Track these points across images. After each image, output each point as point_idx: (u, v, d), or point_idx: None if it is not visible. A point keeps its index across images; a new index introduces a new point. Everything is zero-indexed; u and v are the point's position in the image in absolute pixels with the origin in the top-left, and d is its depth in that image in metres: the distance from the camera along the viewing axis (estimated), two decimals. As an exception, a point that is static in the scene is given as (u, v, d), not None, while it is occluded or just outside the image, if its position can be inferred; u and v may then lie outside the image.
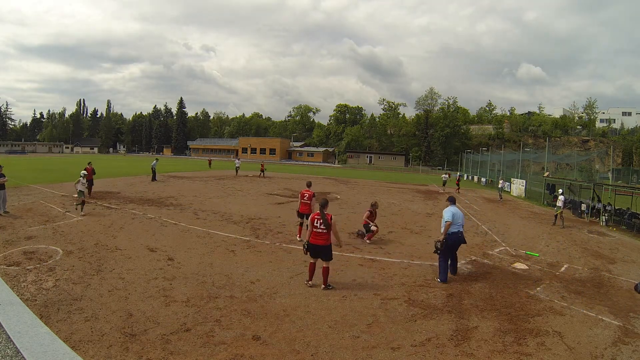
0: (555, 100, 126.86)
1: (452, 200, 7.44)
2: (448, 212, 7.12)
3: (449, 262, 7.21)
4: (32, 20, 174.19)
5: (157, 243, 8.55)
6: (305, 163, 70.10)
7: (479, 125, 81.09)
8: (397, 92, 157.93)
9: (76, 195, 11.73)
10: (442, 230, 7.08)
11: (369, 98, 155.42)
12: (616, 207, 16.31)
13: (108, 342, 4.18)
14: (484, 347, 4.56)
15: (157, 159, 25.47)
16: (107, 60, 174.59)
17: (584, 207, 17.59)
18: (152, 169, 23.85)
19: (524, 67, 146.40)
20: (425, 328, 5.01)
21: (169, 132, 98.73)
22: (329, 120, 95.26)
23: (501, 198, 24.08)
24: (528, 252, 9.57)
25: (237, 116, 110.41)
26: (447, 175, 30.38)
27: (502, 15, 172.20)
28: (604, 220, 15.79)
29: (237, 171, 33.42)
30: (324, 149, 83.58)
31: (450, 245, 7.10)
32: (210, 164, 35.85)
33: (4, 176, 11.23)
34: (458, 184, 28.92)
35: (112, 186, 19.32)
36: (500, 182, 26.08)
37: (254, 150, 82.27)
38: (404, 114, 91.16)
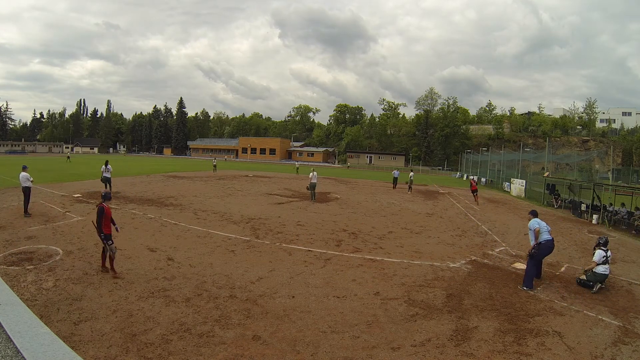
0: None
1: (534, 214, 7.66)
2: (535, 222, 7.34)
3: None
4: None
5: (157, 243, 8.55)
6: (305, 163, 70.02)
7: (479, 125, 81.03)
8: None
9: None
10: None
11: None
12: (615, 208, 16.34)
13: (108, 342, 4.19)
14: (484, 347, 4.56)
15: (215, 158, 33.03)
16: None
17: (583, 207, 17.61)
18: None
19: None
20: (425, 328, 5.01)
21: (168, 132, 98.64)
22: (329, 121, 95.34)
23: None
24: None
25: (237, 116, 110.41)
26: (396, 172, 26.86)
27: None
28: (595, 218, 15.91)
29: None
30: (324, 149, 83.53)
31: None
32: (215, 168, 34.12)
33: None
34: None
35: (112, 186, 19.30)
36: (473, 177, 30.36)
37: (254, 150, 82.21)
38: (404, 114, 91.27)
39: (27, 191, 11.00)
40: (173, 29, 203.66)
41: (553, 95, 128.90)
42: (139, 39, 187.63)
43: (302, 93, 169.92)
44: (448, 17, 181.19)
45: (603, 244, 7.14)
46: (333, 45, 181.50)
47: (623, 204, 16.45)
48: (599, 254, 7.01)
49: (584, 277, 7.05)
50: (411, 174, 25.90)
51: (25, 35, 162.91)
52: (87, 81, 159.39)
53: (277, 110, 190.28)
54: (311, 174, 17.91)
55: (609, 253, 7.06)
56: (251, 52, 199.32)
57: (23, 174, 11.29)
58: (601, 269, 6.84)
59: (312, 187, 17.63)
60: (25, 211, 10.80)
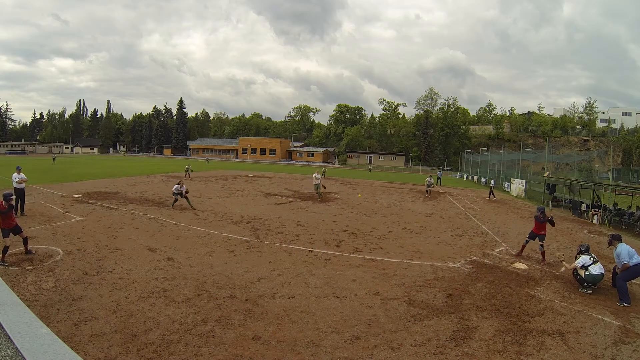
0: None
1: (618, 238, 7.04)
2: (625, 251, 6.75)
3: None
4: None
5: (157, 243, 8.55)
6: (305, 163, 70.04)
7: (479, 125, 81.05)
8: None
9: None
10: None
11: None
12: (617, 208, 16.34)
13: (108, 342, 4.19)
14: (484, 347, 4.56)
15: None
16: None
17: (583, 207, 17.61)
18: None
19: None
20: (425, 328, 5.01)
21: (168, 132, 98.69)
22: (329, 121, 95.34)
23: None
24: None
25: (237, 116, 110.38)
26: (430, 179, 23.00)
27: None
28: (595, 219, 15.91)
29: None
30: (324, 149, 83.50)
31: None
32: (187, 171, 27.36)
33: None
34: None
35: (112, 186, 19.32)
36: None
37: (254, 151, 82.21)
38: (403, 114, 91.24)
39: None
40: (124, 24, 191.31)
41: (550, 88, 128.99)
42: (102, 35, 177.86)
43: (277, 89, 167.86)
44: (437, 3, 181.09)
45: (585, 251, 7.11)
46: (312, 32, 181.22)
47: (616, 204, 16.45)
48: (583, 259, 6.93)
49: (581, 274, 6.95)
50: (429, 179, 23.00)
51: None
52: (63, 80, 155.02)
53: (259, 104, 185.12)
54: (314, 174, 18.41)
55: (618, 255, 6.90)
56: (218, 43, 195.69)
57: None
58: (596, 270, 6.80)
59: (316, 187, 17.96)
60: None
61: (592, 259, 6.89)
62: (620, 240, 6.95)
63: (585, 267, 6.84)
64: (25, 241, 7.11)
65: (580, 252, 7.17)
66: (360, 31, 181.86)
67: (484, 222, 14.27)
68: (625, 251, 6.71)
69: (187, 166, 29.29)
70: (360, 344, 4.48)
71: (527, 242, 9.10)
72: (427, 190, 22.52)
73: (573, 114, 79.43)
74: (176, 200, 13.77)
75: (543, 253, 8.70)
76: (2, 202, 6.90)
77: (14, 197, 7.34)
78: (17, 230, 6.99)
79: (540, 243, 8.75)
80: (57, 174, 25.76)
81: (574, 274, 7.09)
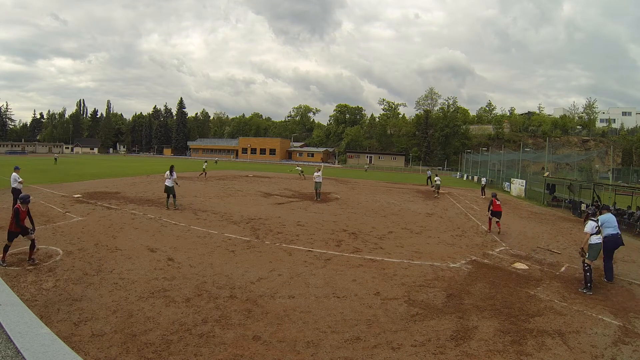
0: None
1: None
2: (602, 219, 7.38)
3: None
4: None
5: (157, 243, 8.55)
6: (305, 163, 70.03)
7: (479, 125, 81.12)
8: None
9: None
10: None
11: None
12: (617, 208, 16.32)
13: (108, 342, 4.19)
14: (484, 347, 4.56)
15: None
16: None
17: (583, 207, 17.61)
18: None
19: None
20: (425, 328, 5.01)
21: (168, 132, 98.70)
22: (329, 121, 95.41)
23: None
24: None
25: (237, 116, 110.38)
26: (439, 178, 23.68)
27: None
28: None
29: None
30: (324, 149, 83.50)
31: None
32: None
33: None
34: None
35: (112, 186, 19.32)
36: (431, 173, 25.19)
37: (254, 151, 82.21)
38: (403, 114, 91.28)
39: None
40: (123, 24, 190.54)
41: (550, 88, 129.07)
42: (101, 35, 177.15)
43: (276, 89, 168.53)
44: (436, 2, 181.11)
45: (592, 214, 7.36)
46: (312, 33, 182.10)
47: (615, 204, 16.42)
48: (590, 224, 7.09)
49: (587, 260, 6.90)
50: (436, 178, 23.59)
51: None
52: (63, 80, 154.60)
53: (257, 104, 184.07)
54: (315, 173, 18.32)
55: (599, 223, 7.27)
56: (222, 42, 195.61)
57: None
58: (595, 239, 6.93)
59: (317, 186, 18.00)
60: None
61: (597, 227, 7.10)
62: (608, 210, 7.62)
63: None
64: (32, 244, 6.81)
65: (588, 217, 7.40)
66: (359, 31, 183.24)
67: (484, 222, 14.26)
68: (603, 218, 7.36)
69: (205, 163, 29.19)
70: (360, 344, 4.48)
71: (491, 219, 11.81)
72: (436, 191, 22.91)
73: (573, 114, 79.47)
74: (173, 197, 13.25)
75: (497, 223, 11.67)
76: (19, 205, 6.68)
77: (30, 197, 7.18)
78: (25, 232, 6.69)
79: (498, 220, 11.67)
80: (57, 174, 25.76)
81: (584, 267, 6.94)
